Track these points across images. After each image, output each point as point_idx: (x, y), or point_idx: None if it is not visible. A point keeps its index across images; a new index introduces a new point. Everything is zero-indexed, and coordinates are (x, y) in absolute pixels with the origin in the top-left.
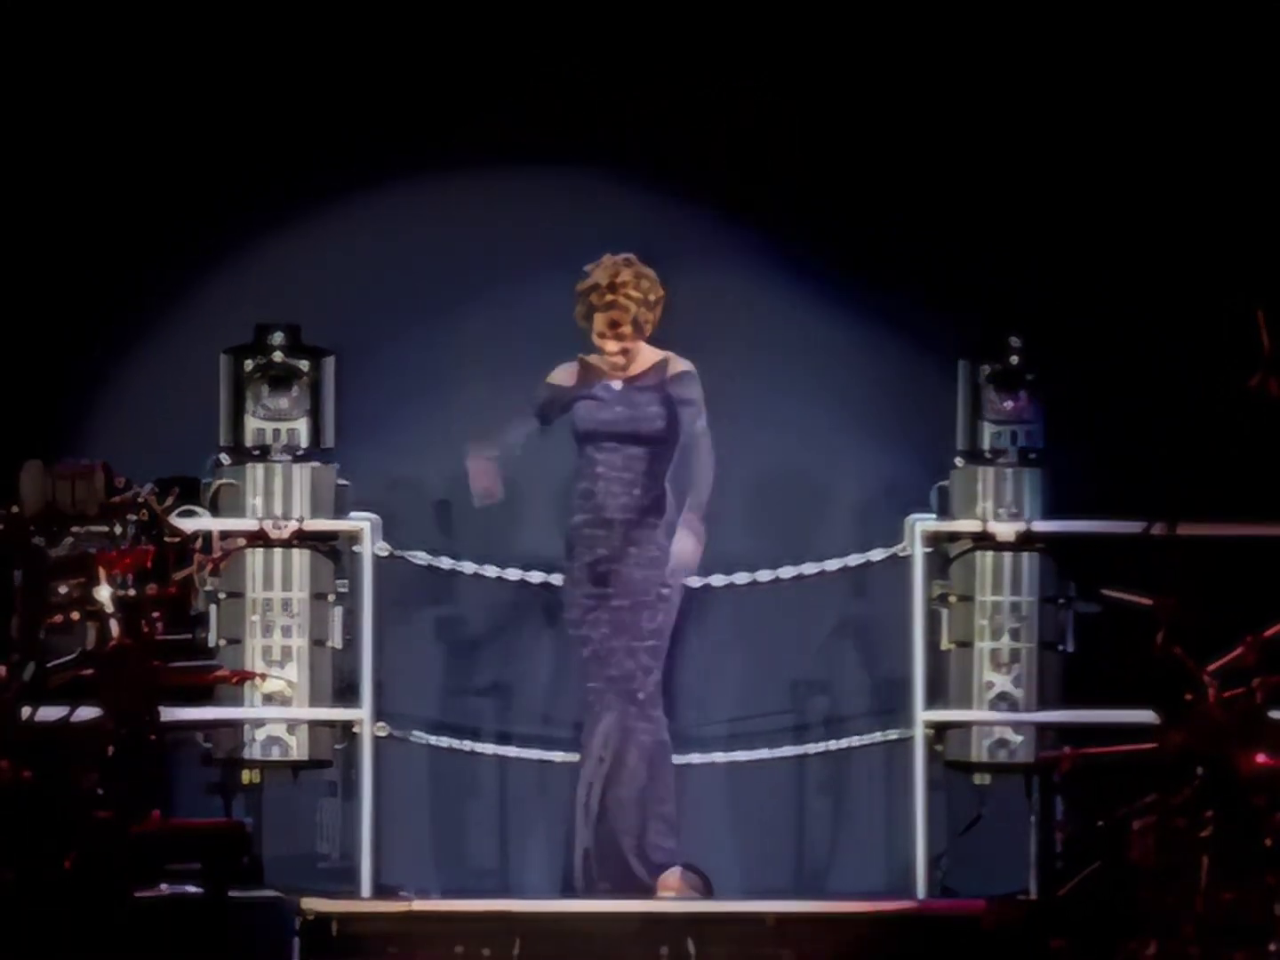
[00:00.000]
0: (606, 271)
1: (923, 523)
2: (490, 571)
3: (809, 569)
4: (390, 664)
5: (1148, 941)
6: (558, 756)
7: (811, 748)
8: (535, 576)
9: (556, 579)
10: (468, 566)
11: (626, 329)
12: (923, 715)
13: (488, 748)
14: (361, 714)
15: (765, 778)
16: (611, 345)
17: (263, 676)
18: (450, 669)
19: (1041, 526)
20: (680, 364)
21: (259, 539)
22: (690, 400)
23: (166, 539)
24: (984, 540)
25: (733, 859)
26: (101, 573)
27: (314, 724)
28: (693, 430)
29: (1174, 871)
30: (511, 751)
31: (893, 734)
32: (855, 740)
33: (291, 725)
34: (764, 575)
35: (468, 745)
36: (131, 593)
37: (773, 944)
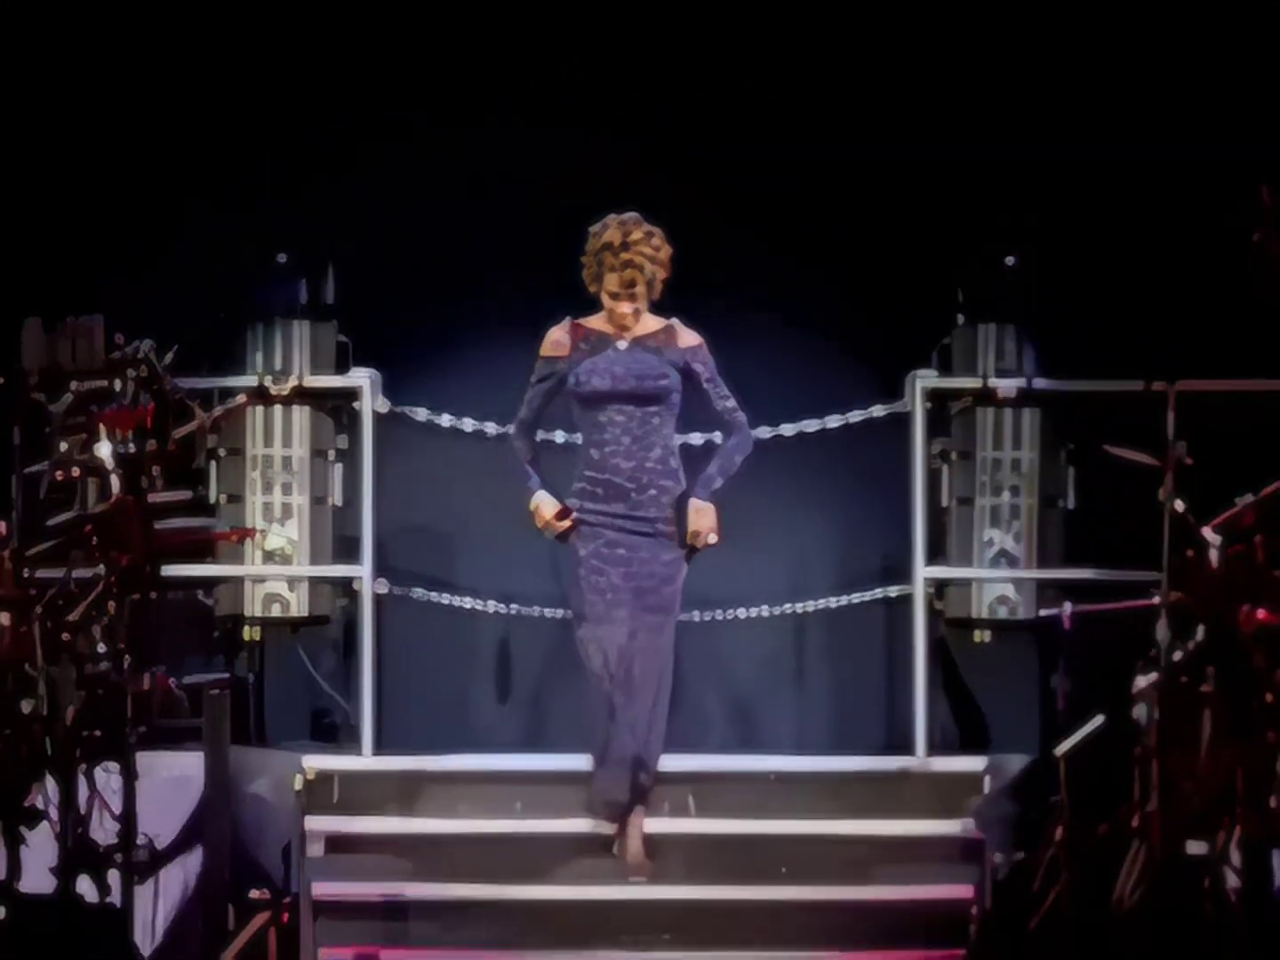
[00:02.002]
0: (617, 231)
1: (924, 380)
2: (491, 429)
3: (810, 426)
4: (391, 521)
5: (1148, 798)
6: (558, 614)
7: (811, 605)
8: (538, 435)
9: (558, 437)
10: (468, 424)
11: (640, 288)
12: (923, 572)
13: (489, 605)
14: (362, 571)
15: (765, 635)
16: (625, 306)
17: (262, 534)
18: (451, 526)
19: (1042, 384)
20: (690, 335)
21: (259, 396)
22: (715, 379)
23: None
24: (985, 397)
25: (734, 716)
26: (102, 430)
27: (314, 581)
28: (730, 410)
29: (1175, 728)
30: (512, 609)
31: (893, 591)
32: (855, 597)
33: (292, 582)
34: (764, 432)
35: (468, 603)
36: (132, 450)
37: (774, 797)
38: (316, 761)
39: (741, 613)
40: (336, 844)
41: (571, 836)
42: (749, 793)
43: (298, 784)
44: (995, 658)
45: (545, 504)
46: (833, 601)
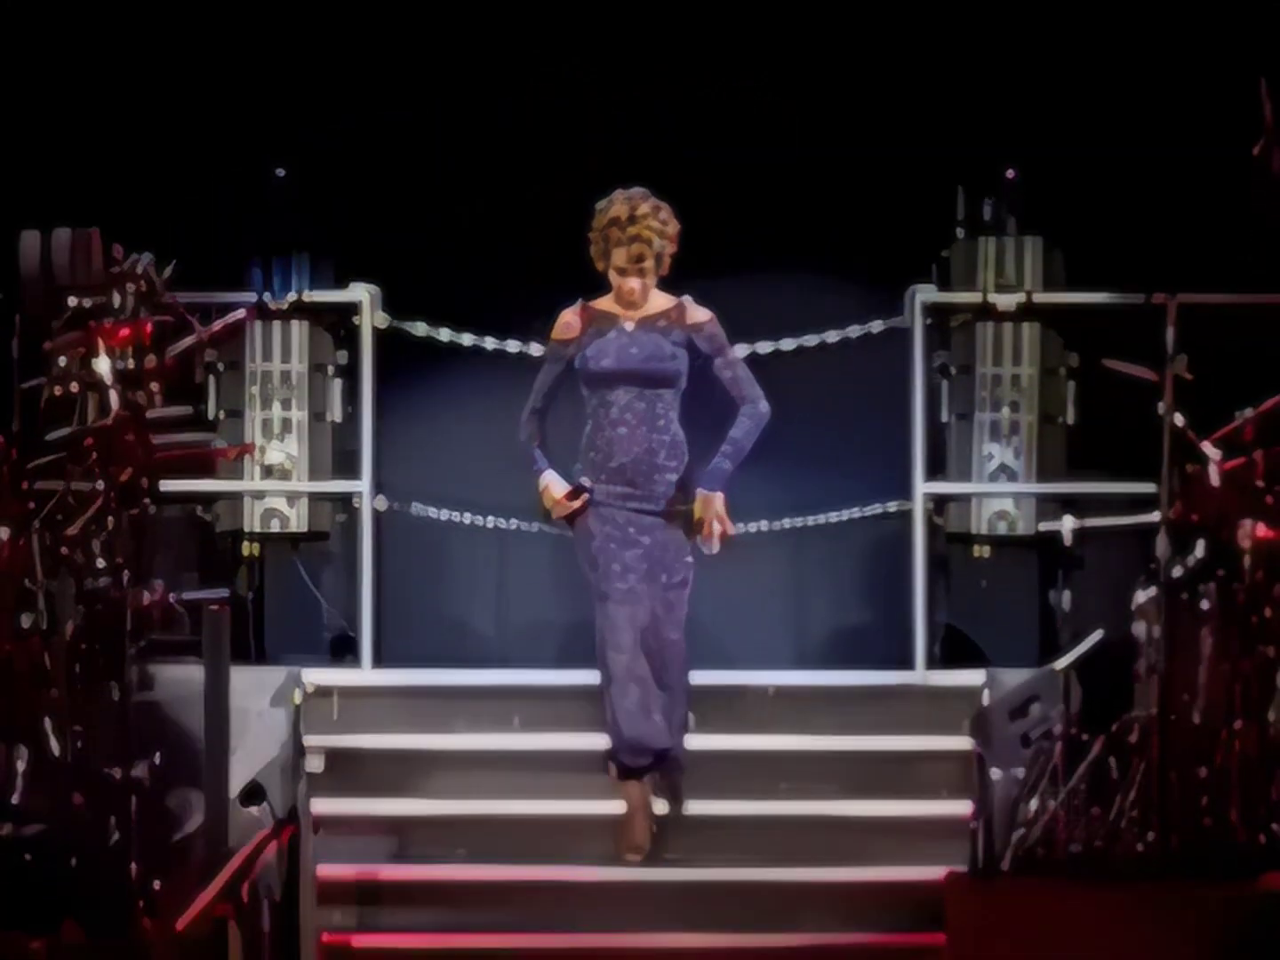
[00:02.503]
0: (625, 205)
1: (923, 294)
2: (489, 344)
3: (809, 341)
4: (390, 437)
5: (1147, 711)
6: (556, 530)
7: (811, 520)
8: (535, 350)
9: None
10: (467, 338)
11: (649, 263)
12: (923, 488)
13: (488, 520)
14: (361, 486)
15: (765, 551)
16: (633, 281)
17: (262, 449)
18: (450, 442)
19: (1042, 298)
20: (699, 312)
21: (258, 311)
22: (726, 354)
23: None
24: (984, 312)
25: (733, 631)
26: (100, 345)
27: (314, 496)
28: (740, 385)
29: (1174, 644)
30: (511, 524)
31: (892, 507)
32: (855, 513)
33: (291, 498)
34: (764, 347)
35: (467, 518)
36: (130, 365)
37: (774, 711)
38: (315, 677)
39: (741, 528)
40: (336, 760)
41: (570, 754)
42: (749, 708)
43: (297, 699)
44: (995, 573)
45: (555, 484)
46: (833, 517)
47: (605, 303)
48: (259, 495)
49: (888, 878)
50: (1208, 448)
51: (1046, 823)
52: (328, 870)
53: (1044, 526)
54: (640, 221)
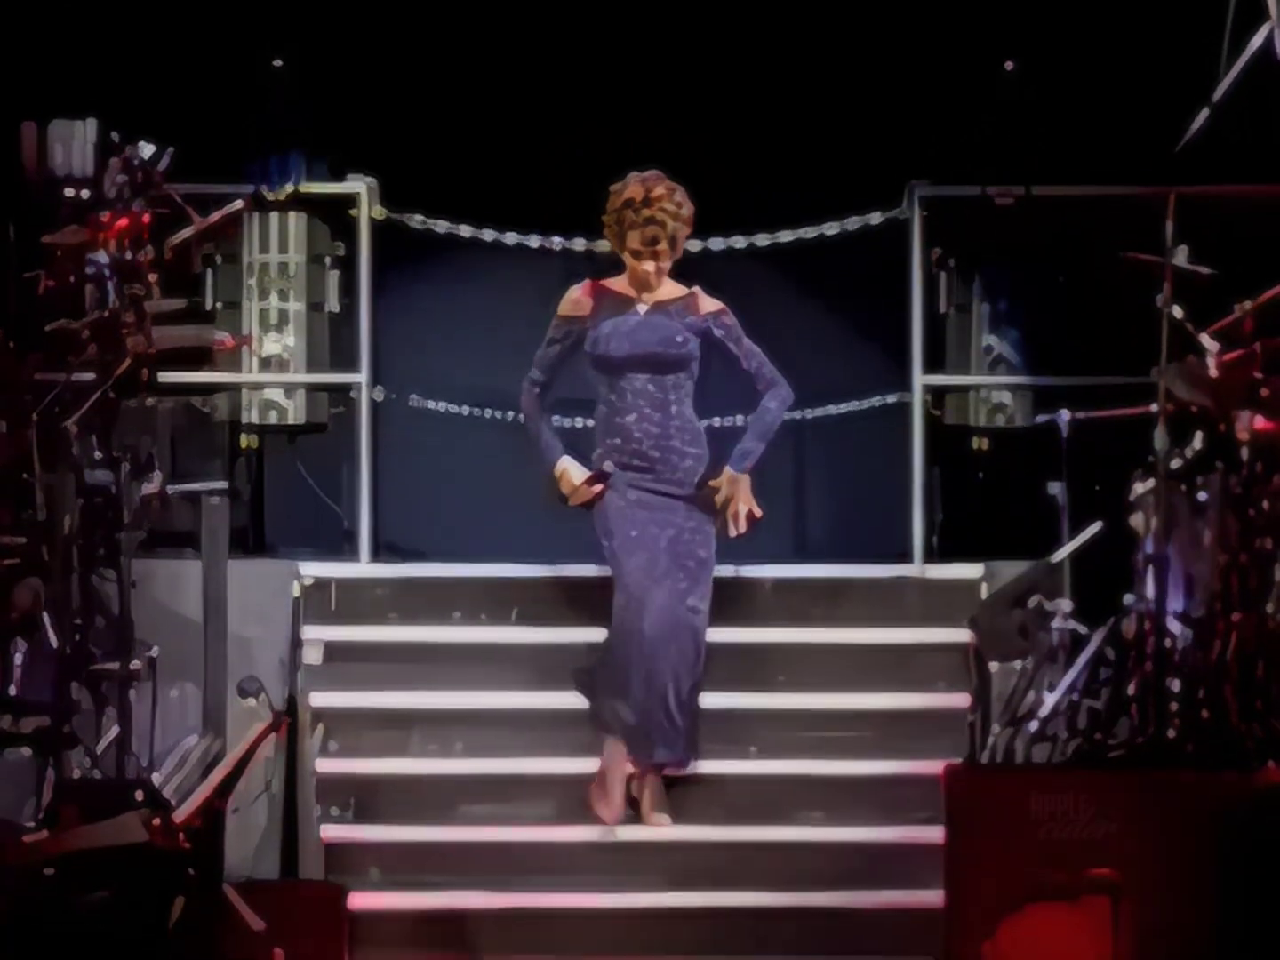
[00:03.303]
0: (639, 187)
1: (922, 188)
2: (488, 235)
3: (808, 233)
4: (388, 329)
5: (1145, 603)
6: (556, 419)
7: (810, 413)
8: (534, 241)
9: (555, 243)
10: (465, 230)
11: (664, 245)
12: (921, 380)
13: (486, 413)
14: (359, 379)
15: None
16: (649, 264)
17: (259, 340)
18: (448, 332)
19: (1043, 190)
20: (711, 302)
21: (256, 202)
22: (741, 341)
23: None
24: (982, 204)
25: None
26: (98, 236)
27: (311, 388)
28: (759, 368)
29: (1171, 533)
30: (508, 416)
31: (891, 399)
32: (854, 406)
33: (289, 389)
34: (762, 240)
35: (465, 410)
36: (128, 256)
37: (774, 603)
38: (314, 569)
39: (739, 419)
40: (334, 652)
41: (567, 647)
42: (746, 601)
43: (295, 592)
44: (993, 465)
45: (573, 470)
46: (831, 409)
47: (618, 284)
48: (257, 387)
49: (886, 771)
50: (1206, 340)
51: (1045, 714)
52: (326, 764)
53: (1041, 418)
54: (655, 204)
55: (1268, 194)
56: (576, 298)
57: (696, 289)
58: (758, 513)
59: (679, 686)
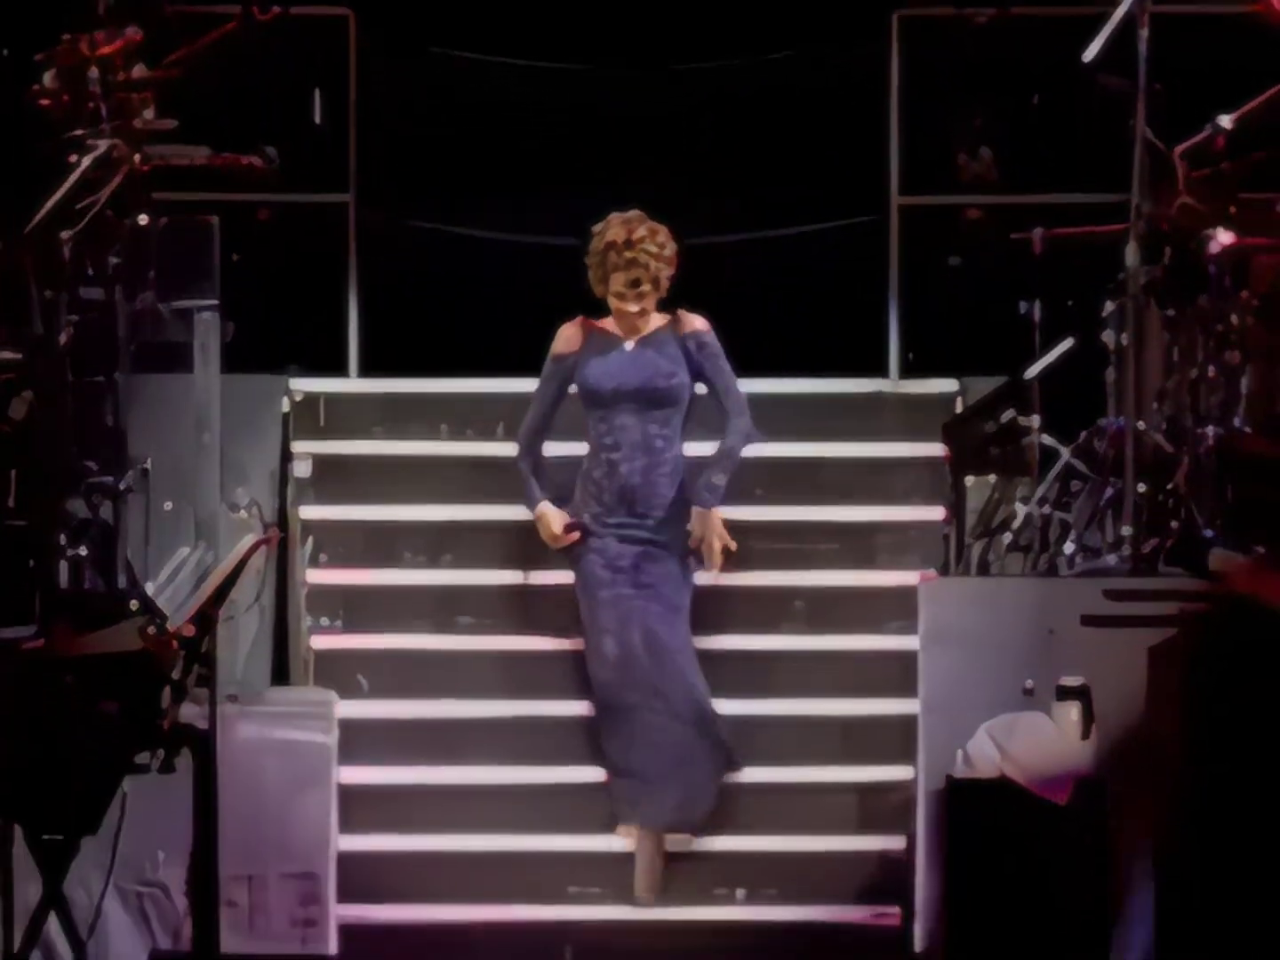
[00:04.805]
0: (621, 229)
1: (901, 11)
2: (479, 55)
3: (786, 54)
4: (375, 150)
5: (1116, 417)
6: (553, 239)
7: (786, 232)
8: (521, 61)
9: (550, 66)
10: (456, 53)
11: (647, 286)
12: (897, 200)
13: (473, 231)
14: (346, 198)
15: (743, 260)
16: (633, 305)
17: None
18: (437, 153)
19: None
20: (694, 320)
21: (245, 21)
22: (717, 364)
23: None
24: (963, 25)
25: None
26: (89, 55)
27: (301, 206)
28: (726, 395)
29: (1141, 351)
30: (502, 235)
31: (867, 218)
32: (832, 225)
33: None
34: (742, 61)
35: (462, 231)
36: (120, 77)
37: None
38: (303, 384)
39: (717, 239)
40: (323, 466)
41: (553, 459)
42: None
43: (285, 407)
44: (967, 281)
45: (551, 517)
46: (808, 228)
47: (607, 323)
48: (247, 206)
49: (862, 583)
50: (1177, 158)
51: (1017, 527)
52: (316, 575)
53: (1016, 236)
54: (637, 246)
55: (1241, 13)
56: (567, 335)
57: (680, 310)
58: (732, 546)
59: (697, 740)
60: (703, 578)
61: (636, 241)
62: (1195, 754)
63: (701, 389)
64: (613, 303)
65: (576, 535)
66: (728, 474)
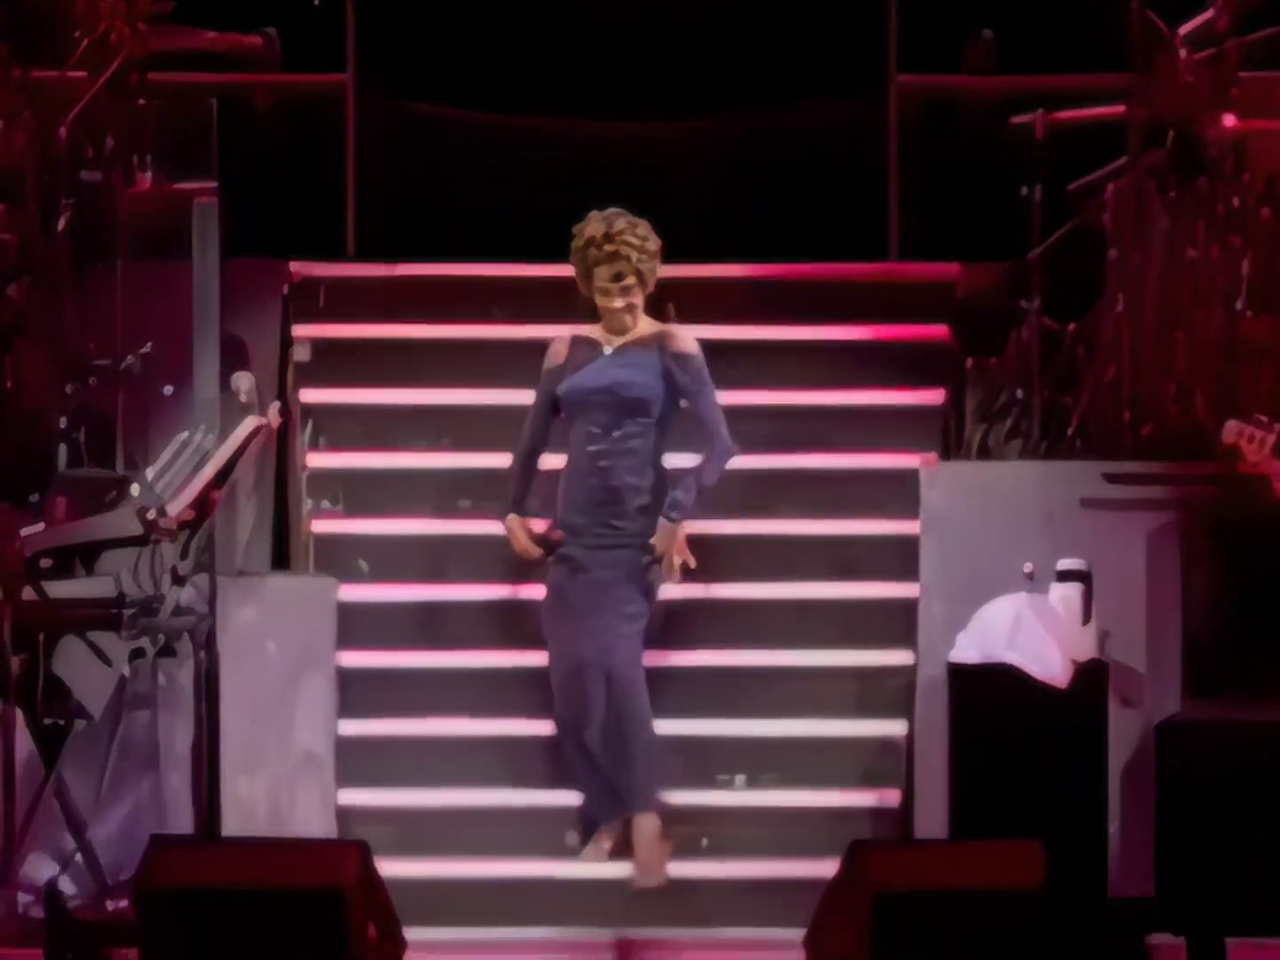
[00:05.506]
0: (600, 223)
1: None
2: None
3: None
4: (375, 26)
5: (1115, 299)
6: (553, 120)
7: (786, 108)
8: None
9: None
10: None
11: (631, 279)
12: (898, 79)
13: (475, 110)
14: (344, 78)
15: (739, 137)
16: (617, 301)
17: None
18: (436, 30)
19: None
20: (684, 341)
21: None
22: (701, 391)
23: None
24: None
25: (706, 223)
26: None
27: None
28: (706, 423)
29: (1143, 234)
30: (500, 115)
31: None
32: (830, 101)
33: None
34: None
35: (457, 109)
36: None
37: (748, 301)
38: (302, 268)
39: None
40: (323, 350)
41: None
42: (722, 298)
43: (284, 290)
44: (969, 165)
45: (515, 530)
46: (804, 103)
47: (594, 330)
48: (245, 87)
49: (861, 465)
50: (1178, 40)
51: (1018, 410)
52: (316, 459)
53: (1017, 120)
54: (617, 238)
55: None
56: (555, 349)
57: (672, 326)
58: (691, 563)
59: (629, 757)
60: (667, 590)
61: (616, 234)
62: (1195, 633)
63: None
64: (599, 300)
65: (539, 552)
66: (693, 492)
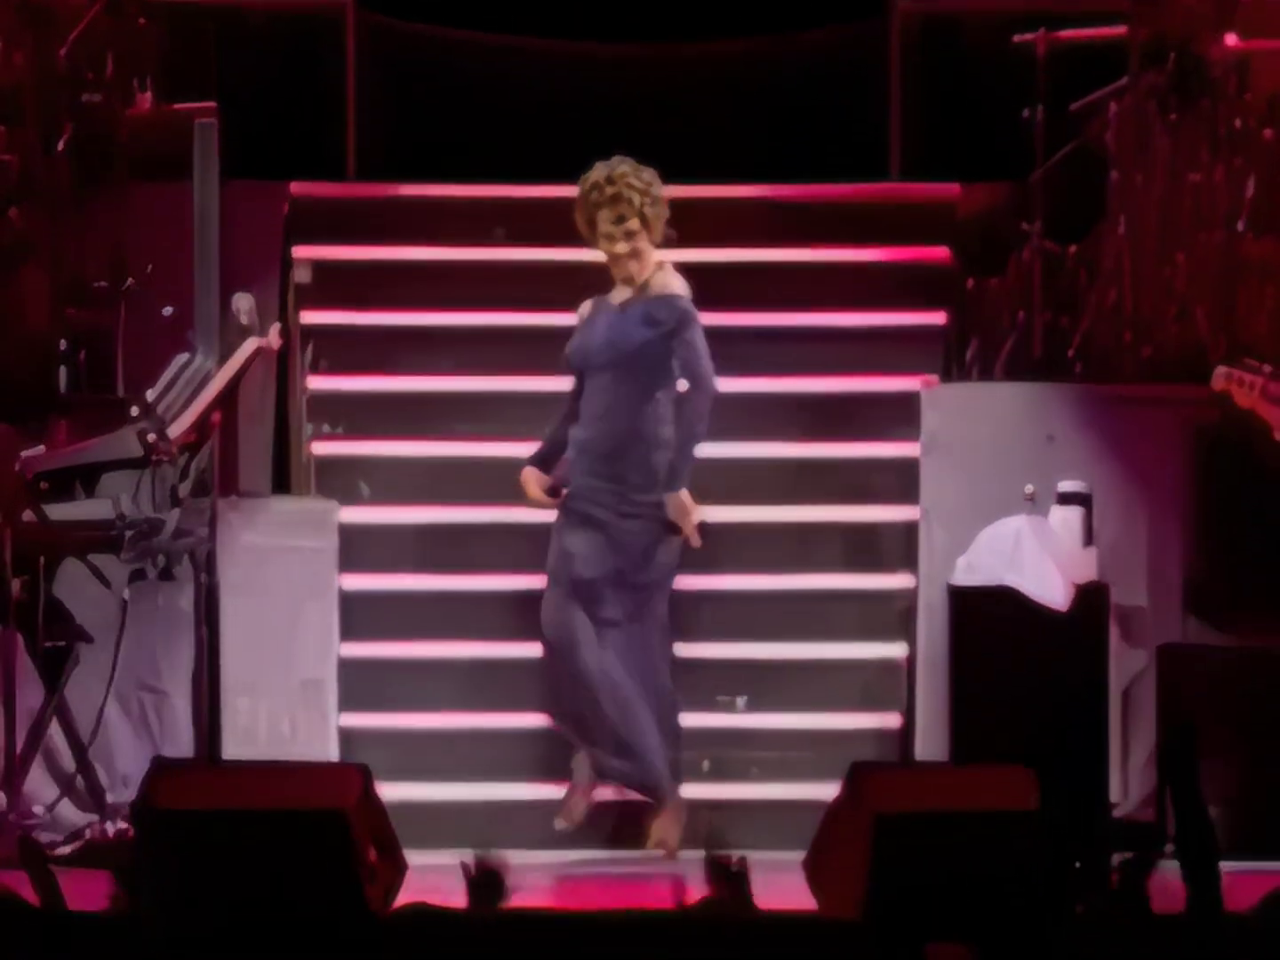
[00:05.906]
0: (603, 169)
1: None
2: None
3: None
4: None
5: (1116, 221)
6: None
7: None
8: None
9: None
10: None
11: (633, 222)
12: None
13: (475, 32)
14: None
15: (738, 63)
16: (621, 245)
17: None
18: None
19: None
20: (664, 285)
21: None
22: (686, 335)
23: None
24: None
25: (707, 145)
26: None
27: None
28: (688, 365)
29: (1145, 154)
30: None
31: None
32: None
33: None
34: None
35: (457, 32)
36: None
37: (747, 222)
38: (303, 188)
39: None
40: (323, 271)
41: (555, 263)
42: (719, 219)
43: (285, 211)
44: (970, 87)
45: (529, 479)
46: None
47: (613, 290)
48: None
49: (865, 388)
50: None
51: (1019, 332)
52: (317, 381)
53: (1019, 39)
54: (619, 181)
55: None
56: (581, 312)
57: (665, 263)
58: (701, 518)
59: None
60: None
61: (618, 178)
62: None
63: None
64: (604, 248)
65: (552, 502)
66: (688, 453)
